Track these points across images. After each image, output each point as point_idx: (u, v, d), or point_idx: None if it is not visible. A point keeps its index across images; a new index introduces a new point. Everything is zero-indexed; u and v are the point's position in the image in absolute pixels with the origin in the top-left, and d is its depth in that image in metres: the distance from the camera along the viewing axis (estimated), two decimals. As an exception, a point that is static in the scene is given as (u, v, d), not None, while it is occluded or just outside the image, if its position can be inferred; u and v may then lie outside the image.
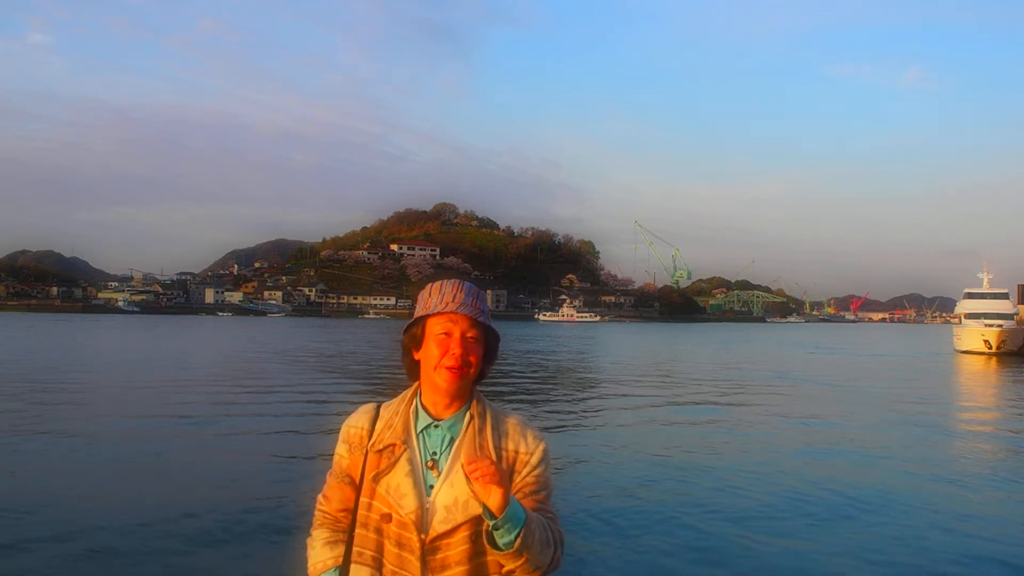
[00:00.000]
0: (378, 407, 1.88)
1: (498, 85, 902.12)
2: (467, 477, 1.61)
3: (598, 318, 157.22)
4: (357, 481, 1.82)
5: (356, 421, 1.86)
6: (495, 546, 1.63)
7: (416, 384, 1.85)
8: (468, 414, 1.80)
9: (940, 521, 7.67)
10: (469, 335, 1.76)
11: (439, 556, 1.70)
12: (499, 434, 1.78)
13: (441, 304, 1.76)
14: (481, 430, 1.78)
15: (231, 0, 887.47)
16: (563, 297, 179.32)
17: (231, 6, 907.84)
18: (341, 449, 1.86)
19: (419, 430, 1.79)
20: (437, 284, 1.84)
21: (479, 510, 1.66)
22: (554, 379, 24.64)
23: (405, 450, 1.76)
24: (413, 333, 1.82)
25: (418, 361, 1.82)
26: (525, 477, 1.76)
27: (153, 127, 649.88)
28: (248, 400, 16.39)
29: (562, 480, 8.69)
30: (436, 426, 1.79)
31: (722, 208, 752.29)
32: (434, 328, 1.77)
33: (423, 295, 1.84)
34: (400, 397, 1.88)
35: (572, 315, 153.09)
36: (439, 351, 1.75)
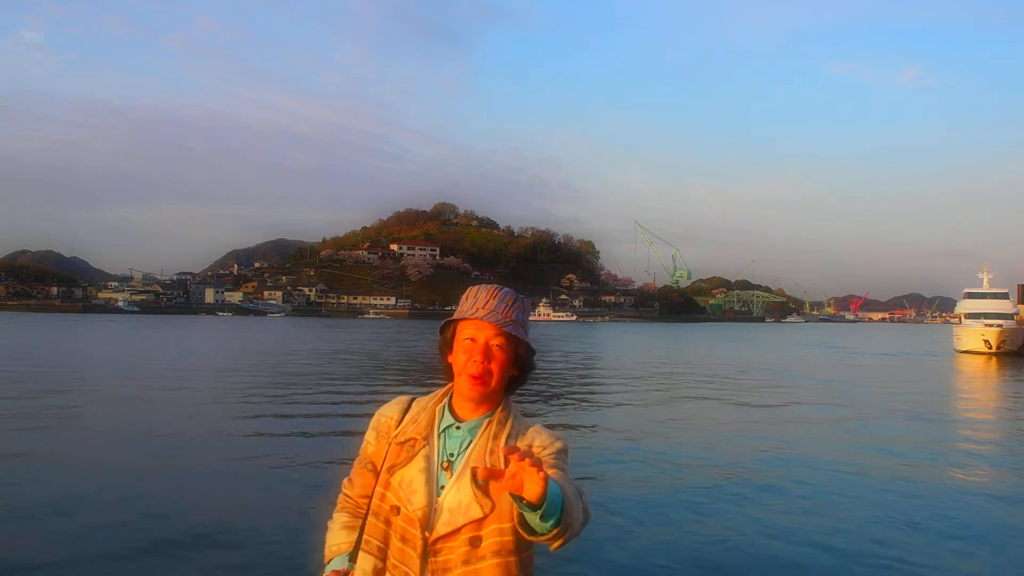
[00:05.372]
0: (411, 400, 1.92)
1: (497, 85, 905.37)
2: (483, 478, 1.56)
3: (575, 317, 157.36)
4: (378, 469, 1.85)
5: (388, 411, 1.90)
6: (533, 532, 1.57)
7: (450, 384, 1.87)
8: (488, 420, 1.81)
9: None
10: (494, 343, 1.76)
11: (441, 558, 1.69)
12: (514, 439, 1.78)
13: (472, 310, 1.79)
14: (496, 435, 1.78)
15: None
16: (562, 297, 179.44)
17: (227, 4, 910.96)
18: (369, 436, 1.90)
19: (441, 429, 1.81)
20: (475, 289, 1.86)
21: (479, 514, 1.69)
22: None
23: (424, 447, 1.78)
24: (446, 337, 1.85)
25: (451, 364, 1.83)
26: (542, 457, 1.73)
27: (151, 127, 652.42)
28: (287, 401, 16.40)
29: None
30: (457, 428, 1.80)
31: (722, 208, 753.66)
32: (462, 333, 1.80)
33: (462, 299, 1.86)
34: (433, 394, 1.90)
35: (549, 314, 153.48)
36: (464, 357, 1.77)
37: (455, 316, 1.82)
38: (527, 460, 1.45)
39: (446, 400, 1.86)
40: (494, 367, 1.76)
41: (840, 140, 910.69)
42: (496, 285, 1.85)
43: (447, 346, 1.84)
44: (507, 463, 1.48)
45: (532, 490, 1.45)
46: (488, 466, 1.71)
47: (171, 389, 18.00)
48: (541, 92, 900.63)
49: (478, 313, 1.77)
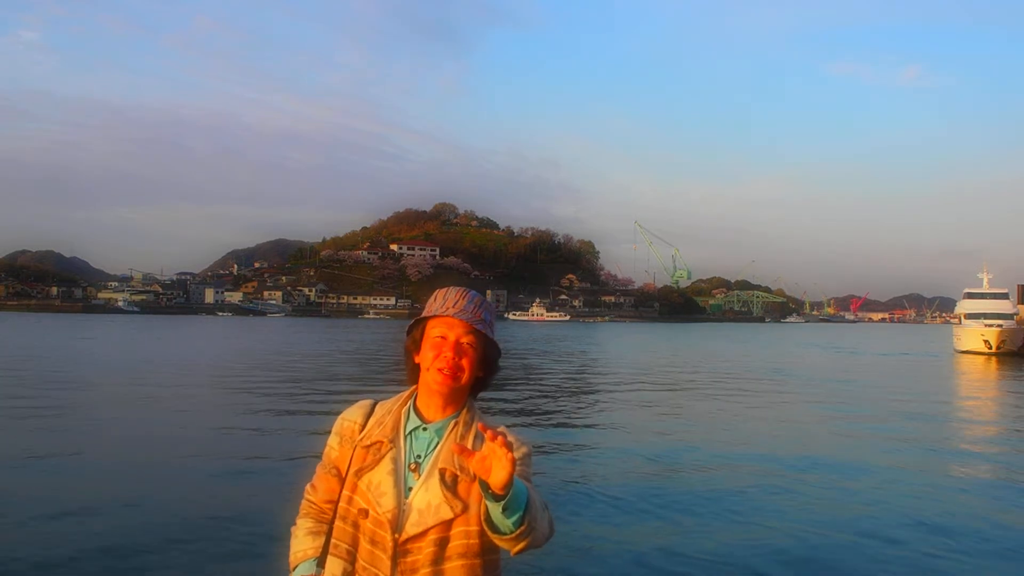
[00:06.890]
0: (374, 404, 1.92)
1: (497, 85, 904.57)
2: (459, 458, 1.59)
3: (568, 317, 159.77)
4: (343, 474, 1.84)
5: (351, 415, 1.90)
6: (497, 530, 1.61)
7: (414, 387, 1.88)
8: (454, 421, 1.82)
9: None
10: (464, 340, 1.78)
11: (409, 559, 1.71)
12: (481, 441, 1.71)
13: (442, 309, 1.80)
14: (463, 437, 1.79)
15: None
16: (562, 297, 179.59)
17: (227, 4, 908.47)
18: (333, 441, 1.90)
19: (408, 431, 1.82)
20: (443, 290, 1.87)
21: (450, 515, 1.70)
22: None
23: (391, 449, 1.78)
24: (414, 337, 1.86)
25: (418, 364, 1.84)
26: None
27: (151, 127, 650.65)
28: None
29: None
30: (424, 429, 1.81)
31: (722, 208, 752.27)
32: (432, 331, 1.81)
33: (429, 301, 1.87)
34: (396, 397, 1.91)
35: (542, 315, 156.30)
36: (433, 353, 1.78)
37: (424, 315, 1.83)
38: (499, 440, 1.48)
39: (410, 402, 1.86)
40: (465, 363, 1.77)
41: (840, 140, 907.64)
42: (464, 288, 1.86)
43: (415, 346, 1.85)
44: (464, 456, 1.53)
45: (499, 475, 1.49)
46: (457, 468, 1.73)
47: (168, 397, 18.00)
48: (541, 92, 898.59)
49: (449, 311, 1.78)
